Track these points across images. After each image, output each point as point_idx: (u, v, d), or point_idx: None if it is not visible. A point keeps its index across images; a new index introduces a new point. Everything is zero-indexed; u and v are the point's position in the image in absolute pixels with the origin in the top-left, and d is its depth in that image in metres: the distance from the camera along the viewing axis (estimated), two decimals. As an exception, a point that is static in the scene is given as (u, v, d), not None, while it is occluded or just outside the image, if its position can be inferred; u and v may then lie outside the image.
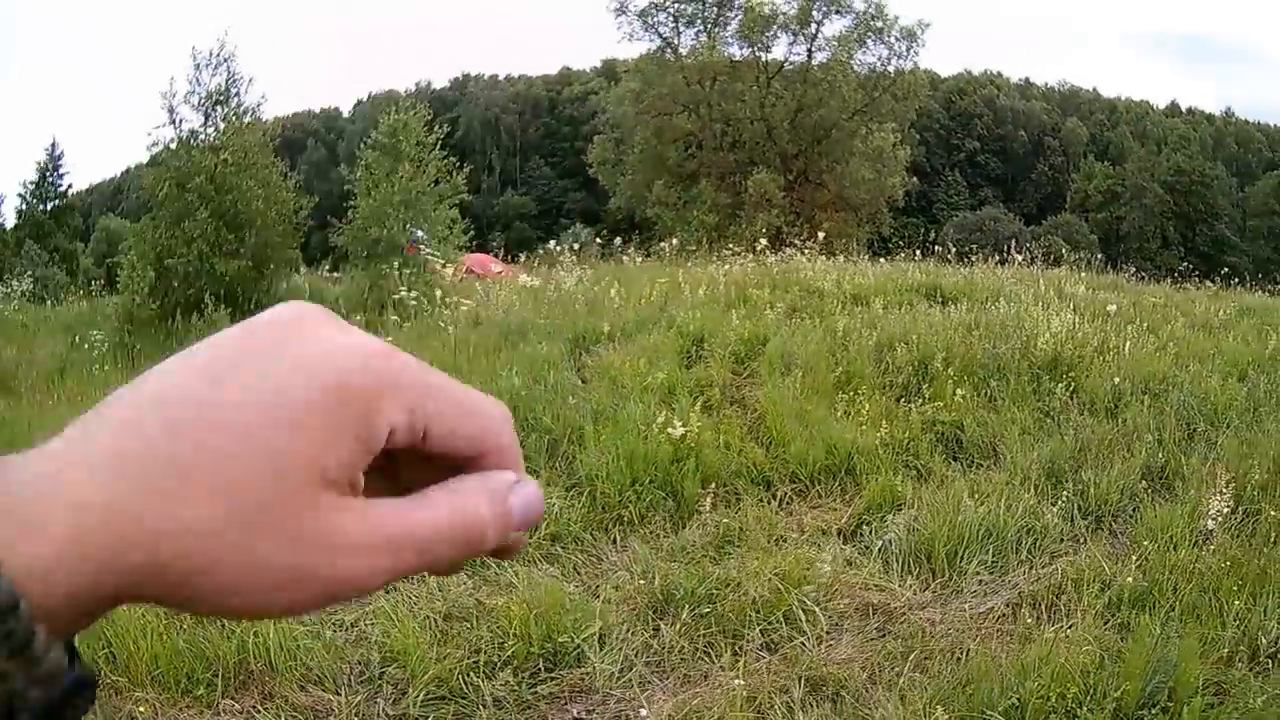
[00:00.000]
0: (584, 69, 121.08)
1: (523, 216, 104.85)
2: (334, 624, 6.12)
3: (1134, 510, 8.12)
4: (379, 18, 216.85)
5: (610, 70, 78.75)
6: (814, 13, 43.81)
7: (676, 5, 45.23)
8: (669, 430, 8.53)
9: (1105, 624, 6.40)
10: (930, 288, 14.90)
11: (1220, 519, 6.89)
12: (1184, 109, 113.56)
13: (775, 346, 11.22)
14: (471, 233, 25.86)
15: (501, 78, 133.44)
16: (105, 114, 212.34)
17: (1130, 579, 6.82)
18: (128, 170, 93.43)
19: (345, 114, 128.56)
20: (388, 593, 6.24)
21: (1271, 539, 7.40)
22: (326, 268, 34.50)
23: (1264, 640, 6.19)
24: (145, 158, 25.55)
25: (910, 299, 14.08)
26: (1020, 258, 18.96)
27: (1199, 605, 6.58)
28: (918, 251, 19.12)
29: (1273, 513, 7.71)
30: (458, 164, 24.54)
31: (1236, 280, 22.21)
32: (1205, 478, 8.05)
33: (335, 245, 26.11)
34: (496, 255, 35.22)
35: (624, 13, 45.33)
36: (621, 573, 7.09)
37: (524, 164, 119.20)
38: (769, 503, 8.38)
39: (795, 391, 10.02)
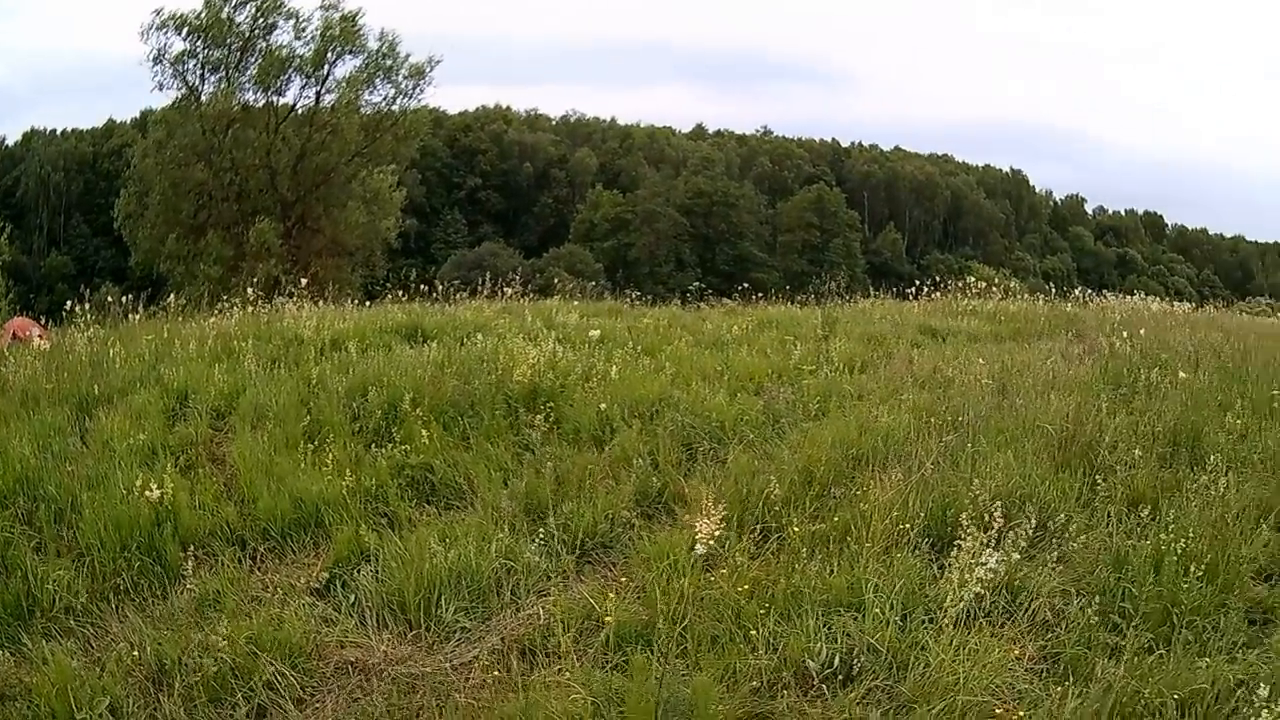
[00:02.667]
0: (125, 120, 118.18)
1: (64, 277, 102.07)
2: None
3: (628, 540, 8.39)
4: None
5: (144, 122, 76.74)
6: (329, 54, 44.16)
7: (205, 51, 45.05)
8: (147, 493, 8.58)
9: (604, 665, 6.53)
10: (411, 328, 15.49)
11: (711, 542, 6.78)
12: (712, 131, 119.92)
13: (249, 399, 11.39)
14: (10, 295, 24.98)
15: (59, 132, 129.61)
16: None
17: (626, 614, 6.96)
18: None
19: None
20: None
21: (802, 554, 7.73)
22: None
23: (813, 664, 6.43)
24: None
25: (389, 340, 14.59)
26: (510, 291, 19.94)
27: (718, 634, 6.75)
28: (402, 292, 19.50)
29: (796, 529, 8.10)
30: (3, 225, 23.72)
31: (760, 295, 23.55)
32: (706, 499, 7.72)
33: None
34: (40, 319, 34.07)
35: (160, 61, 45.07)
36: (123, 643, 6.97)
37: (67, 222, 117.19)
38: (244, 562, 8.37)
39: (265, 445, 10.13)
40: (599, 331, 14.72)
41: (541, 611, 7.26)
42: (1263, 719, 5.11)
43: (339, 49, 44.71)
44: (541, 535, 8.28)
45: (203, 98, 45.06)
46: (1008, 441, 10.35)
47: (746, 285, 24.92)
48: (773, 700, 6.13)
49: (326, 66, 44.87)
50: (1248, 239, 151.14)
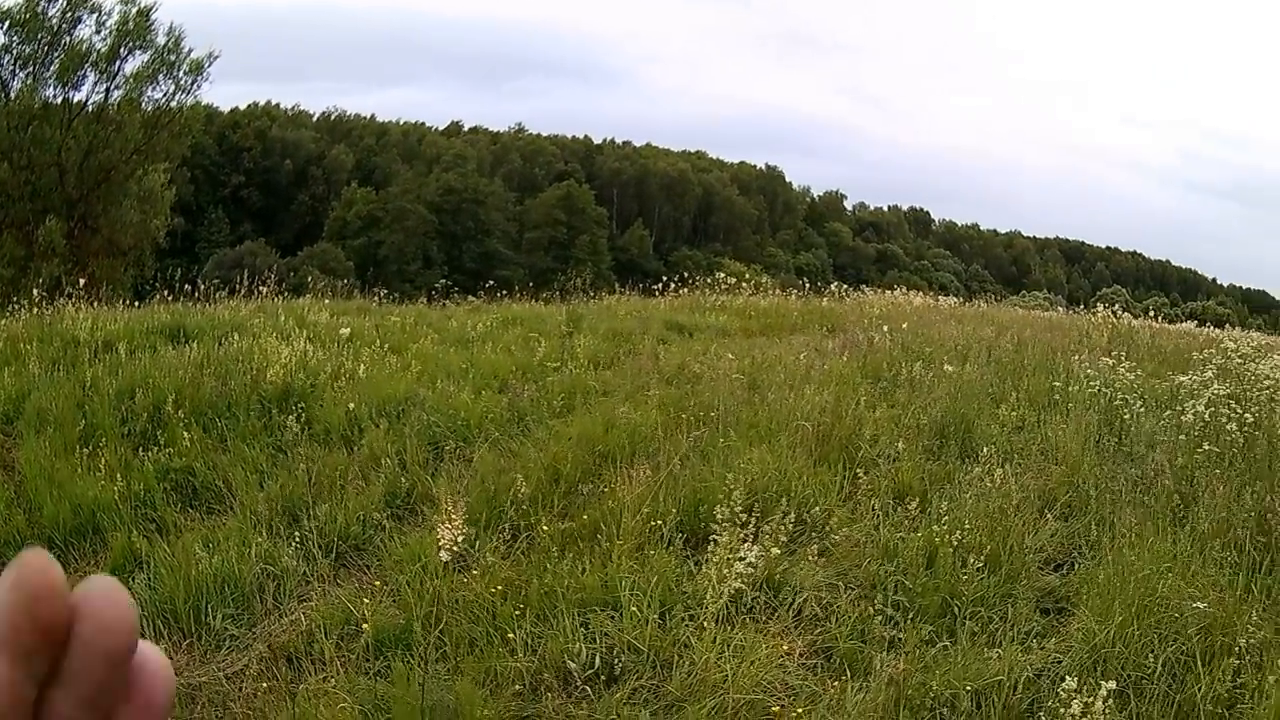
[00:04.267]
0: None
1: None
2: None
3: (380, 542, 8.28)
4: None
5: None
6: (122, 49, 43.25)
7: (19, 46, 43.25)
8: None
9: (367, 671, 6.43)
10: (175, 328, 15.13)
11: (454, 548, 6.37)
12: (468, 128, 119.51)
13: (33, 403, 11.10)
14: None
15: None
16: None
17: (383, 618, 6.90)
18: None
19: None
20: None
21: (553, 553, 7.69)
22: None
23: (574, 664, 6.35)
24: None
25: (155, 341, 14.26)
26: (265, 290, 19.59)
27: (476, 636, 6.71)
28: (168, 292, 19.07)
29: (545, 527, 8.10)
30: None
31: (505, 292, 23.73)
32: (450, 499, 7.42)
33: None
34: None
35: (-14, 59, 42.96)
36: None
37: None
38: (35, 572, 8.26)
39: (48, 450, 9.80)
40: (348, 330, 14.67)
41: (304, 617, 7.16)
42: (1073, 709, 5.19)
43: (132, 44, 43.76)
44: (298, 538, 8.12)
45: (11, 94, 43.64)
46: (761, 436, 10.44)
47: (492, 282, 25.05)
48: (537, 703, 6.12)
49: (119, 62, 43.94)
50: (1024, 234, 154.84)
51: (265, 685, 6.23)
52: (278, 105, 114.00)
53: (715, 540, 7.01)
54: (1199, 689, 5.83)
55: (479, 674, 6.27)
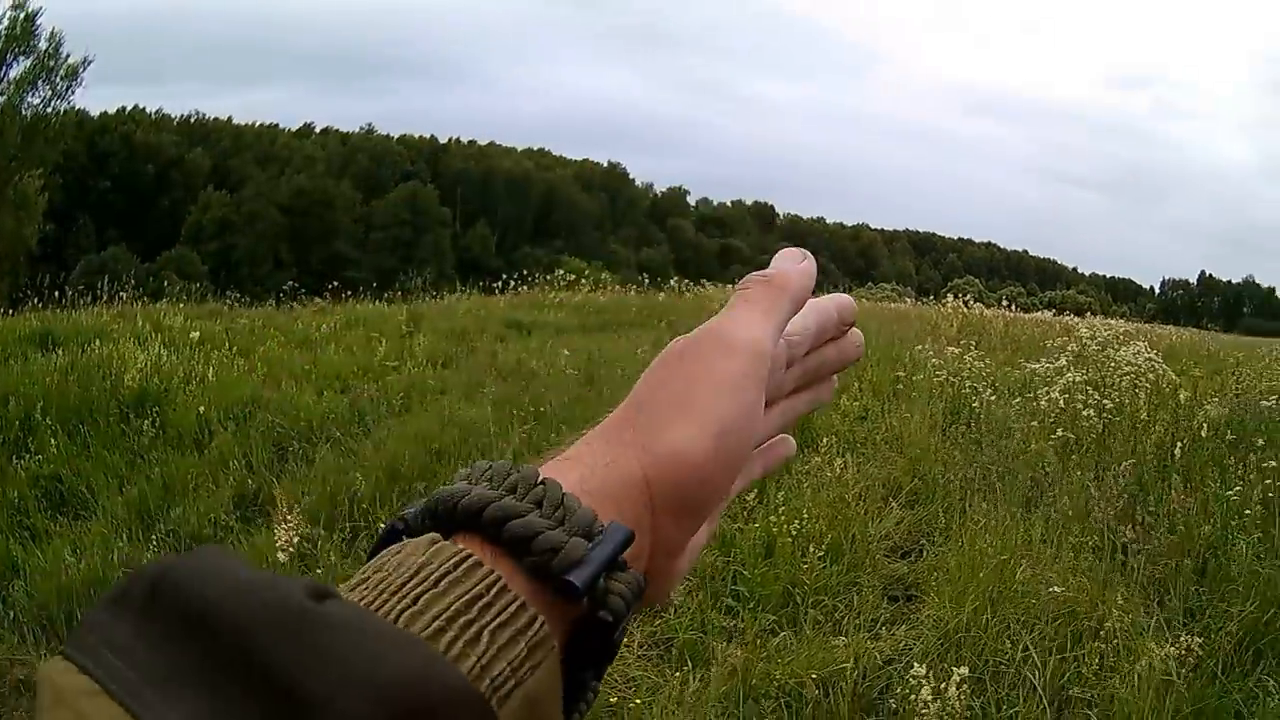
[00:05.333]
0: None
1: None
2: None
3: (230, 543, 7.95)
4: None
5: None
6: (8, 55, 42.40)
7: None
8: None
9: None
10: (44, 335, 14.78)
11: (291, 549, 6.74)
12: (319, 129, 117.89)
13: None
14: None
15: None
16: None
17: None
18: None
19: None
20: None
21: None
22: None
23: None
24: None
25: (26, 349, 13.97)
26: (126, 295, 19.20)
27: None
28: (38, 299, 18.85)
29: (381, 525, 8.34)
30: None
31: (350, 293, 23.68)
32: (286, 501, 7.74)
33: None
34: None
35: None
36: None
37: None
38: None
39: None
40: (198, 333, 14.66)
41: None
42: (923, 695, 5.11)
43: (17, 49, 42.98)
44: (155, 541, 8.13)
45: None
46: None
47: (337, 284, 24.71)
48: None
49: (4, 68, 43.19)
50: (871, 227, 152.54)
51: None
52: (143, 109, 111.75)
53: (549, 535, 7.03)
54: (1064, 674, 5.75)
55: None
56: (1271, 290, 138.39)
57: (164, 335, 14.70)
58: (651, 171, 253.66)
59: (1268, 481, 7.57)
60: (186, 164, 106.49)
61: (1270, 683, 5.54)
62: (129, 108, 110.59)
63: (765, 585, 7.07)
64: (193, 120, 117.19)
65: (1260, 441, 8.55)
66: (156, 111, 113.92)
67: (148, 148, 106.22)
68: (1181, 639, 5.59)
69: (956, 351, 12.86)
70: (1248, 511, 7.16)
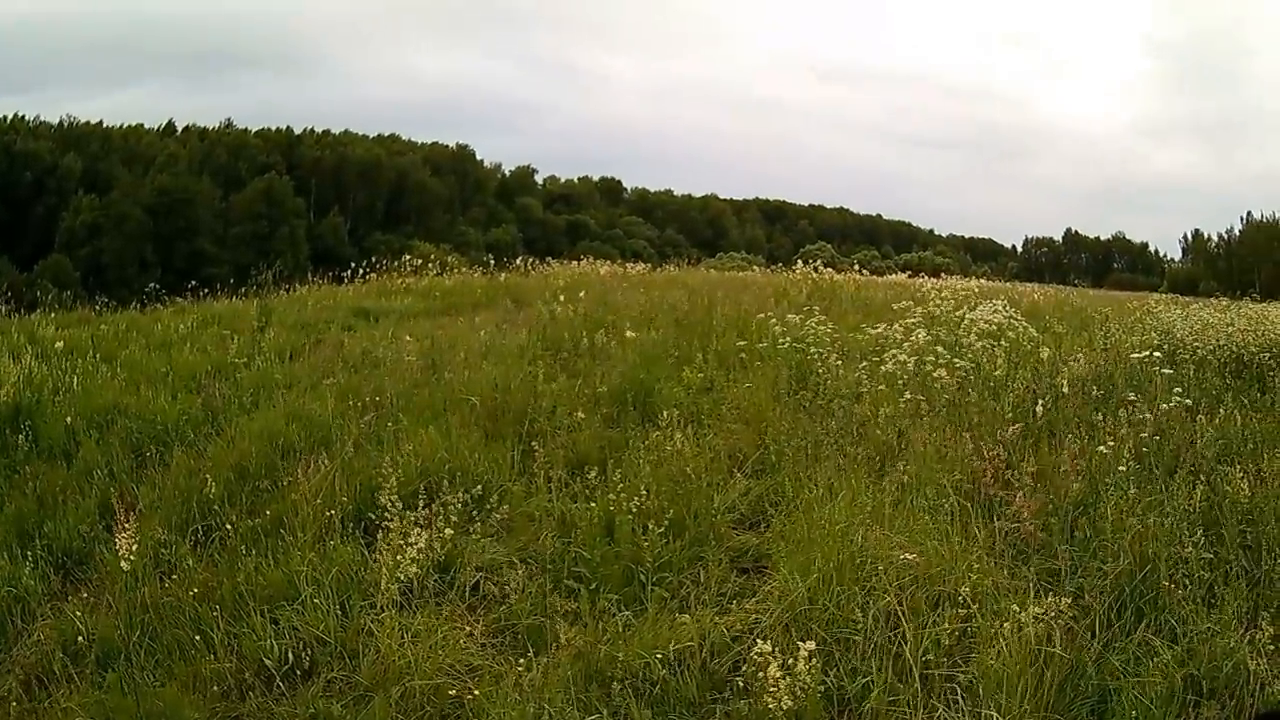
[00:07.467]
0: None
1: None
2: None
3: (97, 554, 7.77)
4: None
5: None
6: None
7: None
8: None
9: (98, 684, 6.10)
10: None
11: (132, 558, 6.24)
12: (181, 127, 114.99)
13: None
14: None
15: None
16: None
17: (106, 629, 6.54)
18: None
19: None
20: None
21: (242, 552, 7.30)
22: None
23: (269, 661, 6.10)
24: None
25: None
26: (4, 308, 18.42)
27: (183, 640, 6.40)
28: None
29: (233, 526, 7.66)
30: None
31: (208, 291, 22.86)
32: (120, 513, 6.69)
33: None
34: None
35: None
36: None
37: None
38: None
39: None
40: (62, 343, 14.05)
41: (43, 635, 6.81)
42: (770, 671, 4.96)
43: None
44: (32, 557, 7.67)
45: None
46: (434, 416, 10.07)
47: (195, 282, 24.08)
48: (241, 702, 5.88)
49: None
50: (720, 196, 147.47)
51: (25, 709, 6.05)
52: (23, 117, 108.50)
53: (386, 526, 6.93)
54: (919, 640, 5.42)
55: (187, 678, 6.06)
56: (1144, 245, 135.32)
57: (36, 347, 14.05)
58: (499, 151, 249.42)
59: (1143, 435, 7.50)
60: (60, 170, 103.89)
61: (1157, 642, 5.36)
62: (9, 117, 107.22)
63: (606, 565, 6.88)
64: (66, 126, 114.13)
65: (1132, 396, 8.31)
66: (35, 119, 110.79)
67: (26, 156, 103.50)
68: (1049, 600, 5.40)
69: (800, 317, 12.51)
70: (1121, 468, 6.90)
